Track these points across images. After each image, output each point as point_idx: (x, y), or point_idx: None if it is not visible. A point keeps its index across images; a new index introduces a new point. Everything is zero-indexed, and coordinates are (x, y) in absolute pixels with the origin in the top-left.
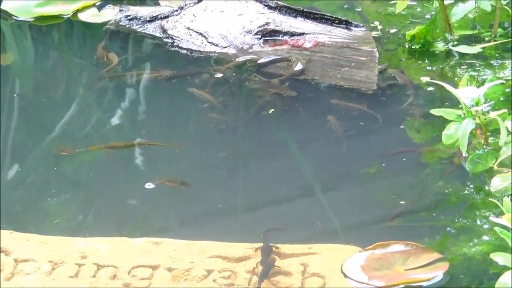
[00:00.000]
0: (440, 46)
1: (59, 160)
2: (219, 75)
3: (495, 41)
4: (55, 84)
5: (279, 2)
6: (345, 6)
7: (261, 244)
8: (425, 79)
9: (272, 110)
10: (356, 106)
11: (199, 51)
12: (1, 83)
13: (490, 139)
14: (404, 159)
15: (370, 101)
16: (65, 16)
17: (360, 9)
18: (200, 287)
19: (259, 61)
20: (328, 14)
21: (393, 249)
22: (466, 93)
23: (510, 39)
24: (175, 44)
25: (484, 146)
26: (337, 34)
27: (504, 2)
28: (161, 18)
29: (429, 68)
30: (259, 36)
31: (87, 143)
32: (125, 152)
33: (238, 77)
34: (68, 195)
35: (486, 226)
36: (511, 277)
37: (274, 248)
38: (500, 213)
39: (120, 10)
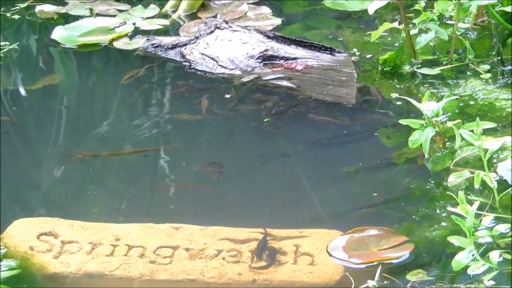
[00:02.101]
0: (406, 68)
1: (78, 162)
2: (228, 95)
3: (451, 64)
4: (94, 99)
5: (276, 33)
6: (330, 36)
7: (259, 229)
8: (394, 95)
9: (267, 119)
10: (329, 120)
11: (211, 72)
12: (51, 98)
13: (447, 144)
14: (378, 161)
15: (350, 112)
16: (102, 44)
17: (341, 39)
18: (212, 264)
19: (264, 78)
20: (316, 42)
21: (368, 233)
22: (428, 106)
23: (463, 63)
24: (191, 66)
25: (442, 150)
26: (323, 59)
27: (458, 33)
28: (181, 46)
29: (398, 86)
30: (260, 60)
31: (115, 148)
32: (139, 156)
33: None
34: (104, 190)
35: (444, 214)
36: (464, 256)
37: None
38: (455, 204)
39: (147, 39)
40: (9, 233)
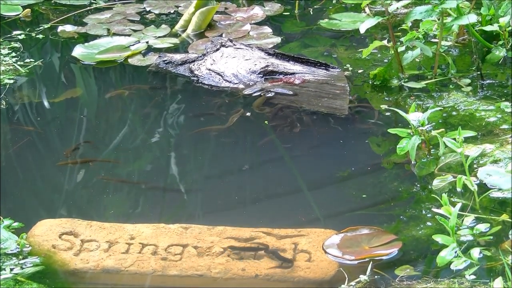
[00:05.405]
0: (395, 82)
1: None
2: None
3: (435, 78)
4: (111, 110)
5: (276, 50)
6: (325, 53)
7: (260, 229)
8: (384, 106)
9: (266, 122)
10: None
11: (217, 86)
12: (73, 110)
13: (432, 151)
14: (369, 167)
15: (343, 123)
16: (118, 61)
17: (335, 56)
18: (218, 260)
19: (268, 91)
20: (312, 59)
21: (361, 232)
22: (414, 117)
23: (446, 77)
24: (199, 81)
25: (428, 156)
26: (319, 74)
27: (441, 50)
28: (189, 62)
29: (387, 98)
30: (261, 75)
31: (129, 153)
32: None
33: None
34: (119, 193)
35: (429, 215)
36: (447, 252)
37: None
38: (439, 205)
39: (159, 56)
40: (33, 233)
